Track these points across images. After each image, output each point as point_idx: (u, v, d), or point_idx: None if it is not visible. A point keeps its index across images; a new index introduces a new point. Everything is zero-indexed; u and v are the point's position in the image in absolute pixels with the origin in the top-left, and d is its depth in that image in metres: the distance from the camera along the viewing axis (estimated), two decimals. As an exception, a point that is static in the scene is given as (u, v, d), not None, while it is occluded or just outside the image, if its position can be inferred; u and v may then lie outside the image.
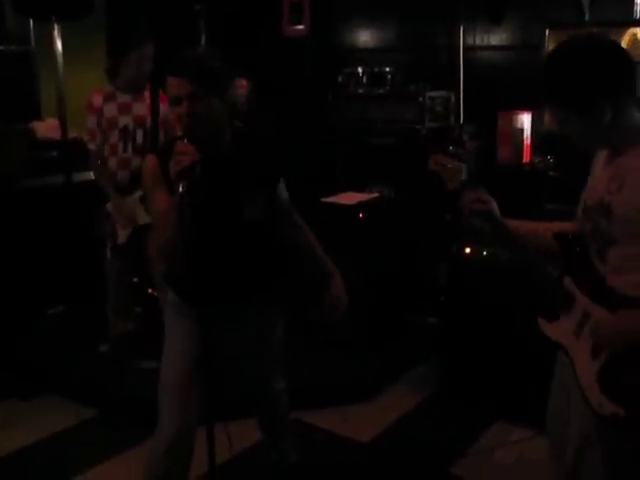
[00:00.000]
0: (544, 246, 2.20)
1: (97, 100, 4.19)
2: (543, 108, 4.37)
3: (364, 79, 5.16)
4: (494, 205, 2.19)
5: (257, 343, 2.79)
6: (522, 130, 4.55)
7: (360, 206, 4.56)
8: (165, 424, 2.55)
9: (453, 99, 5.07)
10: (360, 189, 4.86)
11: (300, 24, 5.89)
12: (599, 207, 1.99)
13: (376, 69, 5.14)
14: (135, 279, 4.54)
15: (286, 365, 4.02)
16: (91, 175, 5.11)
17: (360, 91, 5.15)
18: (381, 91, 5.07)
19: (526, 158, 4.56)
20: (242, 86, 5.23)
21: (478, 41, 5.21)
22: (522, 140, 4.54)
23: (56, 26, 4.38)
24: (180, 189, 2.21)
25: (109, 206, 4.20)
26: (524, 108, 4.59)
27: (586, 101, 1.91)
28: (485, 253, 3.80)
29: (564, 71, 1.95)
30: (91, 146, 4.21)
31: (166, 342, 2.66)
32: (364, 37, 5.79)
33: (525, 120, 4.56)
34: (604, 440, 2.02)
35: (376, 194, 4.81)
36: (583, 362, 2.01)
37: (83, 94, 5.80)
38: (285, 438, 3.10)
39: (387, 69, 5.11)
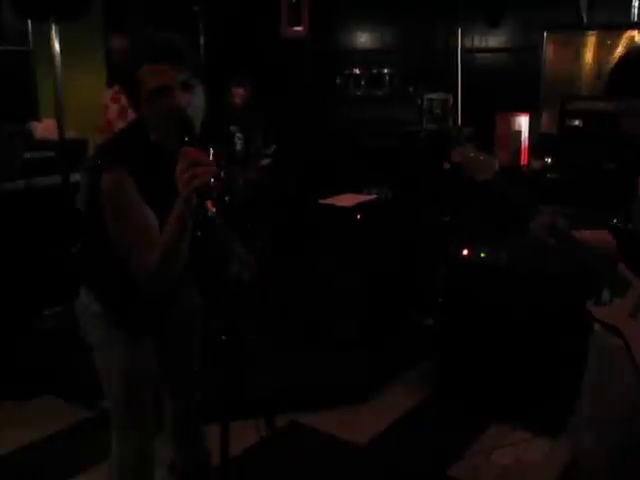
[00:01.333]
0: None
1: None
2: (539, 110, 4.39)
3: (363, 81, 5.18)
4: (562, 222, 2.26)
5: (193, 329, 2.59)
6: (520, 132, 4.56)
7: (358, 207, 4.56)
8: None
9: (451, 101, 5.09)
10: (358, 190, 4.87)
11: (299, 25, 5.90)
12: None
13: (375, 71, 5.16)
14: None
15: (282, 366, 4.05)
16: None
17: (358, 93, 5.17)
18: (380, 93, 5.09)
19: (524, 160, 4.57)
20: (238, 95, 5.23)
21: (476, 43, 5.23)
22: (520, 142, 4.55)
23: (54, 26, 4.37)
24: (209, 212, 1.81)
25: None
26: (522, 110, 4.60)
27: None
28: (483, 254, 3.79)
29: None
30: None
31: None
32: (363, 39, 5.80)
33: (523, 122, 4.57)
34: None
35: (374, 196, 4.82)
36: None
37: (81, 94, 5.82)
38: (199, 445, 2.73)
39: (386, 71, 5.12)
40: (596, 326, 2.28)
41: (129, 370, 2.36)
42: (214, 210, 1.80)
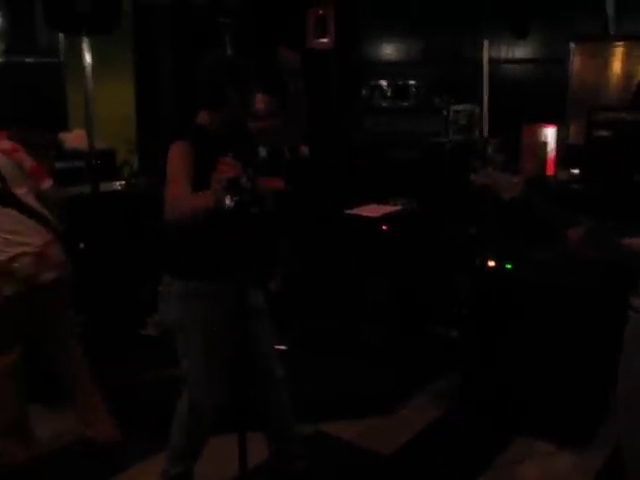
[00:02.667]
0: None
1: None
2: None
3: (388, 92, 5.19)
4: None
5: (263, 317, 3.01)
6: (546, 143, 4.54)
7: (384, 218, 4.57)
8: (201, 397, 2.87)
9: (478, 112, 5.08)
10: (384, 201, 4.88)
11: (325, 37, 5.93)
12: None
13: (400, 82, 5.17)
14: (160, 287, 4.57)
15: (309, 375, 4.07)
16: (117, 186, 5.20)
17: (384, 104, 5.18)
18: (405, 104, 5.10)
19: (550, 171, 4.55)
20: (261, 102, 5.27)
21: (503, 54, 5.22)
22: (546, 153, 4.54)
23: (85, 39, 4.45)
24: (228, 201, 2.34)
25: None
26: (549, 121, 4.59)
27: None
28: (509, 266, 3.78)
29: None
30: None
31: (199, 326, 2.82)
32: (389, 50, 5.82)
33: (550, 133, 4.56)
34: None
35: (400, 206, 4.82)
36: None
37: (110, 106, 5.90)
38: (293, 442, 3.14)
39: (411, 82, 5.13)
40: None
41: (207, 332, 2.81)
42: (231, 204, 2.34)
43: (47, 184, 3.31)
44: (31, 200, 3.22)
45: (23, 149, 3.30)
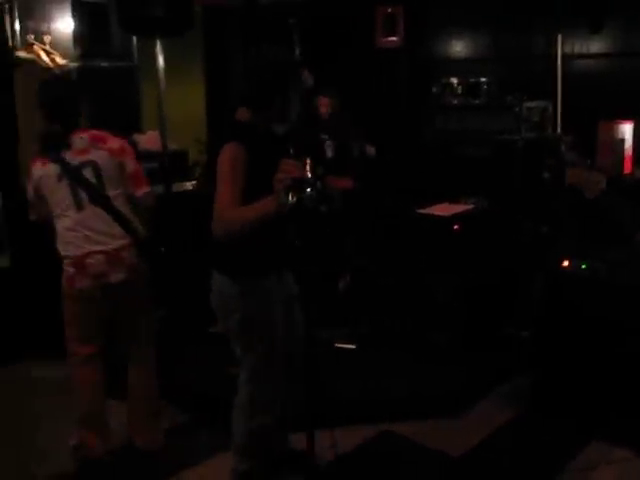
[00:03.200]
0: None
1: None
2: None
3: (459, 89, 5.13)
4: None
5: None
6: (623, 140, 4.42)
7: (455, 217, 4.52)
8: (268, 389, 2.97)
9: (550, 109, 4.97)
10: (455, 200, 4.83)
11: (394, 35, 5.90)
12: None
13: (471, 79, 5.10)
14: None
15: (377, 376, 4.06)
16: (189, 186, 5.29)
17: (455, 102, 5.12)
18: (477, 101, 5.03)
19: (627, 169, 4.42)
20: (324, 104, 5.28)
21: (577, 49, 5.10)
22: (623, 151, 4.41)
23: (158, 42, 4.54)
24: (289, 199, 2.37)
25: None
26: (626, 118, 4.46)
27: None
28: (584, 266, 3.69)
29: None
30: None
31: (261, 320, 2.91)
32: (458, 47, 5.76)
33: (627, 130, 4.43)
34: None
35: (471, 205, 4.76)
36: None
37: (182, 108, 6.01)
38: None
39: (483, 79, 5.06)
40: None
41: (267, 327, 2.90)
42: (293, 200, 2.36)
43: (143, 191, 3.38)
44: (120, 203, 3.31)
45: (132, 151, 3.41)
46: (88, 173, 3.24)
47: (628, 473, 3.32)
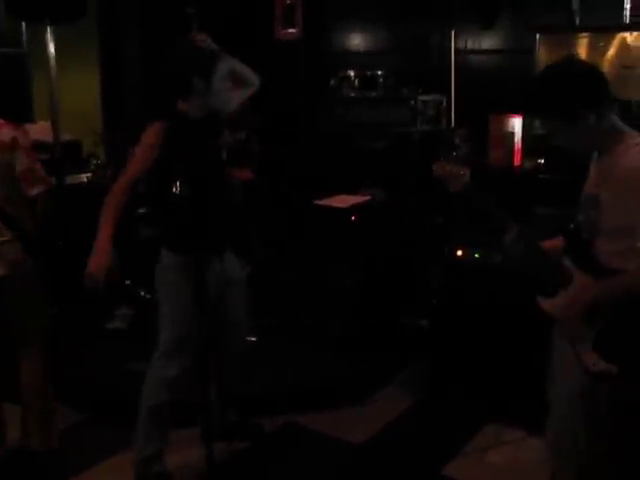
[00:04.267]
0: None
1: None
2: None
3: (356, 82, 5.18)
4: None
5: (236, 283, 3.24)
6: (513, 133, 4.58)
7: (353, 209, 4.58)
8: (171, 364, 3.01)
9: (445, 102, 5.10)
10: (353, 192, 4.88)
11: (293, 27, 5.91)
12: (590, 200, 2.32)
13: (368, 72, 5.17)
14: (127, 281, 4.55)
15: (278, 366, 4.07)
16: (84, 178, 5.13)
17: (352, 94, 5.17)
18: (373, 94, 5.10)
19: (517, 161, 4.60)
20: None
21: (470, 45, 5.24)
22: (513, 143, 4.58)
23: (49, 29, 4.38)
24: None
25: None
26: (515, 112, 4.63)
27: (570, 112, 2.22)
28: (477, 255, 3.82)
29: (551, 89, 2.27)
30: None
31: (171, 295, 3.04)
32: (356, 40, 5.82)
33: (516, 123, 4.60)
34: (594, 394, 2.35)
35: (369, 197, 4.83)
36: (579, 329, 2.32)
37: (75, 97, 5.82)
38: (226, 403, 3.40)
39: (379, 72, 5.13)
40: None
41: (185, 299, 2.91)
42: None
43: (36, 191, 3.13)
44: (6, 201, 3.04)
45: (25, 144, 3.10)
46: None
47: (520, 451, 3.47)
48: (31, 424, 3.37)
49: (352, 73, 5.19)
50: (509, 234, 2.40)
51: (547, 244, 2.52)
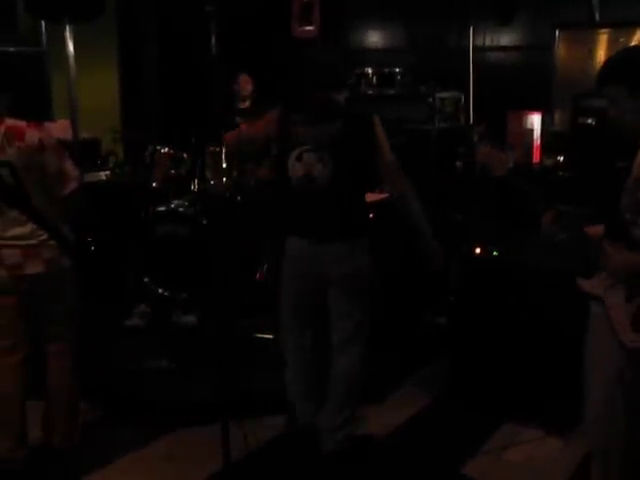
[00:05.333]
0: None
1: None
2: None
3: (374, 80, 5.18)
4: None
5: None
6: (532, 130, 4.56)
7: (371, 206, 4.56)
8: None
9: (463, 100, 5.08)
10: (370, 190, 4.86)
11: (310, 25, 5.91)
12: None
13: (386, 70, 5.16)
14: (146, 279, 4.56)
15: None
16: (103, 176, 5.16)
17: (370, 92, 5.16)
18: (391, 92, 5.09)
19: (536, 158, 4.57)
20: (246, 82, 5.25)
21: (488, 42, 5.22)
22: (532, 140, 4.55)
23: (68, 27, 4.41)
24: None
25: None
26: (534, 108, 4.60)
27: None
28: (495, 253, 3.79)
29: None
30: None
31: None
32: (374, 37, 5.81)
33: (535, 120, 4.57)
34: (634, 370, 2.40)
35: (386, 194, 4.81)
36: (617, 307, 2.38)
37: (94, 95, 5.86)
38: (347, 424, 3.31)
39: (397, 70, 5.12)
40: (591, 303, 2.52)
41: None
42: None
43: (69, 189, 3.11)
44: (40, 201, 2.98)
45: (53, 143, 3.09)
46: (5, 173, 2.87)
47: (538, 451, 3.44)
48: (56, 422, 3.38)
49: (370, 70, 5.18)
50: (548, 217, 2.43)
51: (587, 229, 2.57)
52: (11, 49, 5.21)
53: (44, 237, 3.08)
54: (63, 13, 4.33)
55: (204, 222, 4.40)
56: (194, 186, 4.66)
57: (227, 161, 4.36)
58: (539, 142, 4.59)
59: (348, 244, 3.08)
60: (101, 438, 3.57)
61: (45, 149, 3.03)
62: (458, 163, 4.61)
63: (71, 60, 4.46)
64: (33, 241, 3.07)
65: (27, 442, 3.30)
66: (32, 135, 3.01)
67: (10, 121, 3.01)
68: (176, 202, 4.55)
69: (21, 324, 3.21)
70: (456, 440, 3.59)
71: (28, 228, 3.05)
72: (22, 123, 3.03)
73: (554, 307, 3.53)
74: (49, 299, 3.22)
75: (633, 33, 4.46)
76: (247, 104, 5.27)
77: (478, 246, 3.86)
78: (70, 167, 3.13)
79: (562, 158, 4.52)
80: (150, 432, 3.54)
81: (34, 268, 3.09)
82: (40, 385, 3.35)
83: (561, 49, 4.86)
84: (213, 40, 5.56)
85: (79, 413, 3.46)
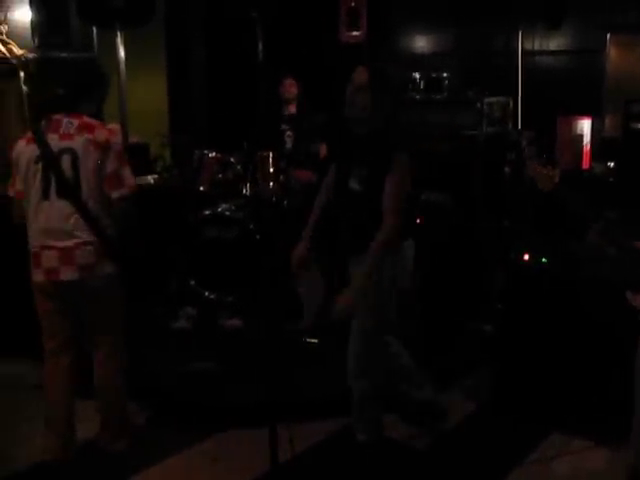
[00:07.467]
0: None
1: None
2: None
3: (421, 84, 5.15)
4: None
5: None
6: (582, 136, 4.49)
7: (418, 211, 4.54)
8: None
9: (511, 104, 5.03)
10: (417, 194, 4.85)
11: (357, 30, 5.91)
12: None
13: (433, 74, 5.13)
14: (192, 281, 4.61)
15: (340, 368, 4.07)
16: (151, 180, 5.23)
17: (417, 97, 5.15)
18: (438, 97, 5.06)
19: (586, 164, 4.50)
20: (292, 85, 5.27)
21: (537, 46, 5.16)
22: (582, 146, 4.48)
23: (119, 33, 4.48)
24: None
25: None
26: (584, 113, 4.53)
27: None
28: (544, 260, 3.74)
29: None
30: None
31: None
32: (421, 42, 5.79)
33: (585, 125, 4.50)
34: None
35: (433, 199, 4.79)
36: None
37: (143, 100, 5.95)
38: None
39: (444, 74, 5.09)
40: None
41: None
42: None
43: (119, 193, 3.15)
44: (93, 198, 3.13)
45: (117, 146, 3.19)
46: (66, 161, 3.06)
47: (588, 461, 3.39)
48: (105, 423, 3.43)
49: (417, 75, 5.16)
50: (595, 230, 2.42)
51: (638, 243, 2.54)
52: (64, 55, 5.30)
53: (81, 240, 3.10)
54: (114, 19, 4.40)
55: (251, 226, 4.43)
56: (246, 190, 4.69)
57: (274, 166, 4.39)
58: (589, 148, 4.52)
59: None
60: (148, 439, 3.61)
61: (110, 149, 3.12)
62: (506, 169, 4.56)
63: (122, 65, 4.53)
64: (70, 243, 3.09)
65: (75, 442, 3.35)
66: (101, 133, 3.14)
67: (87, 118, 3.18)
68: (223, 206, 4.59)
69: (66, 327, 3.27)
70: (502, 449, 3.55)
71: (70, 224, 3.09)
72: (96, 122, 3.19)
73: (604, 316, 3.47)
74: (88, 305, 3.24)
75: (687, 36, 4.38)
76: (292, 108, 5.28)
77: (526, 253, 3.82)
78: (128, 174, 3.20)
79: (613, 164, 4.44)
80: (196, 434, 3.57)
81: (68, 275, 3.11)
82: (90, 385, 3.41)
83: (612, 53, 4.78)
84: (260, 45, 5.61)
85: (127, 415, 3.50)
